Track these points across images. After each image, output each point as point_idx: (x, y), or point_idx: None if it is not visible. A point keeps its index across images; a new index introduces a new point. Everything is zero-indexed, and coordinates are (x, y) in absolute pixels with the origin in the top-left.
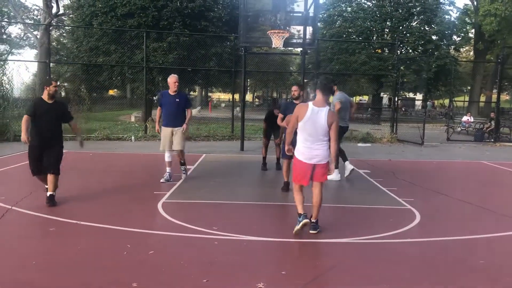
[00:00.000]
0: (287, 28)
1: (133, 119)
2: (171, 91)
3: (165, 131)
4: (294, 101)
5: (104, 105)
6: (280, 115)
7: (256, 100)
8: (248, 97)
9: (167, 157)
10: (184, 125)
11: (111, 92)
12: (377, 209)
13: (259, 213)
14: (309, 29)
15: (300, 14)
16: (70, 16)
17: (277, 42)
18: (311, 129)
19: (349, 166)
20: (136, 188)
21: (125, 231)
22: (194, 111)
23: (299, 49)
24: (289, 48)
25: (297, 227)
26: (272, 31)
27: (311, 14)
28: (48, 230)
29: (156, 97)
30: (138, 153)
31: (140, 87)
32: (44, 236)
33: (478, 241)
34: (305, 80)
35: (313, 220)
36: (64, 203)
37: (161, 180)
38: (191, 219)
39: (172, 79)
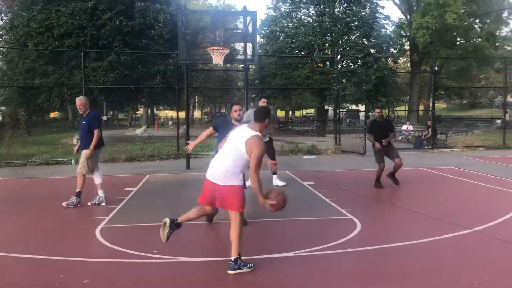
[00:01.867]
0: (227, 45)
1: (75, 141)
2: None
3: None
4: (235, 123)
5: (45, 128)
6: None
7: (205, 116)
8: (197, 113)
9: (94, 180)
10: (88, 150)
11: (52, 114)
12: (319, 221)
13: (202, 232)
14: (249, 46)
15: (240, 31)
16: (4, 37)
17: (217, 59)
18: (227, 143)
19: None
20: (73, 214)
21: (59, 261)
22: (139, 131)
23: (241, 65)
24: (235, 64)
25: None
26: (211, 48)
27: (250, 31)
28: None
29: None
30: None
31: None
32: None
33: (415, 246)
34: (253, 96)
35: (232, 258)
36: None
37: (88, 203)
38: (130, 244)
39: (76, 102)
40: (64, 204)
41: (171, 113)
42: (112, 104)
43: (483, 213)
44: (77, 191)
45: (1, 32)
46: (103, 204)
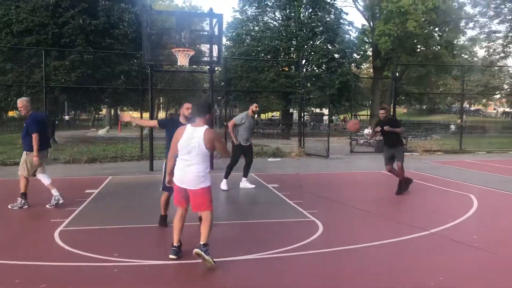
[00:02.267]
0: (193, 46)
1: None
2: None
3: None
4: (181, 121)
5: (2, 127)
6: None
7: (169, 118)
8: (162, 114)
9: (43, 182)
10: (35, 158)
11: (10, 113)
12: (282, 223)
13: (165, 235)
14: (215, 48)
15: (206, 33)
16: None
17: (182, 60)
18: (186, 149)
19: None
20: (31, 216)
21: (15, 265)
22: (102, 131)
23: (207, 67)
24: (200, 66)
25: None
26: (177, 49)
27: (216, 33)
28: None
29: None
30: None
31: (41, 108)
32: None
33: (375, 248)
34: (219, 98)
35: (200, 242)
36: None
37: (47, 205)
38: (90, 247)
39: (17, 104)
40: (9, 206)
41: (135, 114)
42: (74, 104)
43: (440, 215)
44: (21, 192)
45: None
46: (61, 201)
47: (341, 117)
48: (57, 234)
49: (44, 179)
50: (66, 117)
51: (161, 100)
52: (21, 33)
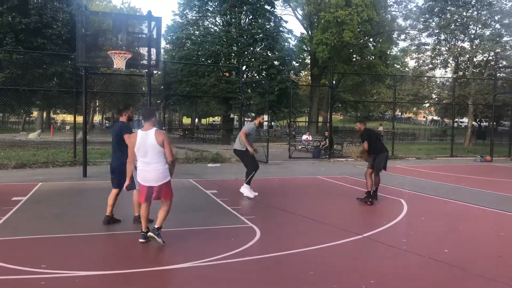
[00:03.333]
0: (130, 49)
1: None
2: None
3: None
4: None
5: None
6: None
7: (106, 122)
8: (98, 118)
9: None
10: None
11: None
12: (219, 229)
13: (97, 245)
14: (153, 51)
15: (144, 36)
16: None
17: (118, 63)
18: (143, 152)
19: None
20: None
21: None
22: (33, 135)
23: (145, 71)
24: (139, 69)
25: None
26: (113, 51)
27: (154, 36)
28: None
29: None
30: None
31: None
32: None
33: (310, 252)
34: (158, 101)
35: (155, 226)
36: None
37: None
38: (15, 259)
39: None
40: None
41: (70, 117)
42: (2, 106)
43: (373, 219)
44: None
45: None
46: None
47: (282, 122)
48: None
49: None
50: None
51: (97, 103)
52: None
